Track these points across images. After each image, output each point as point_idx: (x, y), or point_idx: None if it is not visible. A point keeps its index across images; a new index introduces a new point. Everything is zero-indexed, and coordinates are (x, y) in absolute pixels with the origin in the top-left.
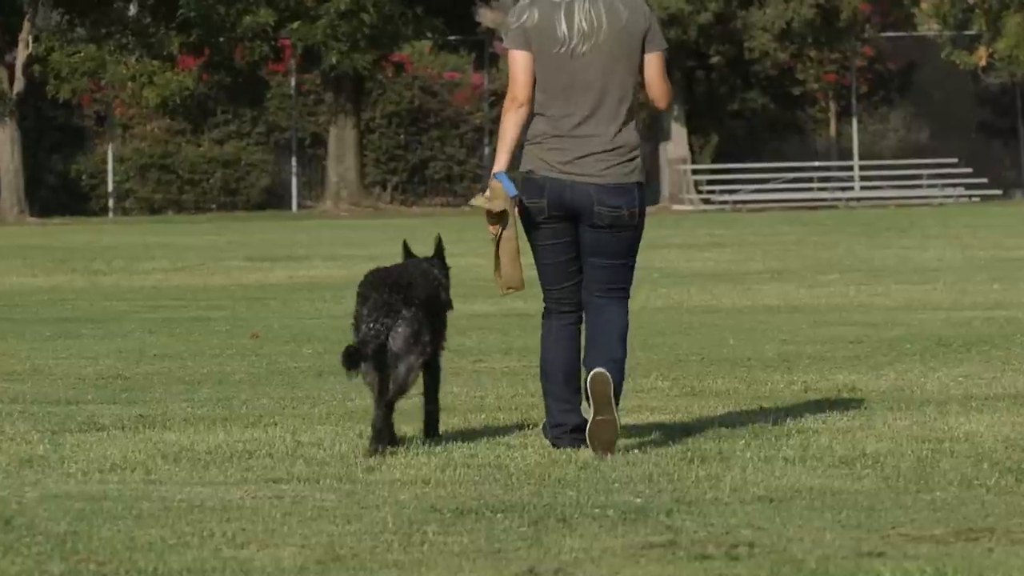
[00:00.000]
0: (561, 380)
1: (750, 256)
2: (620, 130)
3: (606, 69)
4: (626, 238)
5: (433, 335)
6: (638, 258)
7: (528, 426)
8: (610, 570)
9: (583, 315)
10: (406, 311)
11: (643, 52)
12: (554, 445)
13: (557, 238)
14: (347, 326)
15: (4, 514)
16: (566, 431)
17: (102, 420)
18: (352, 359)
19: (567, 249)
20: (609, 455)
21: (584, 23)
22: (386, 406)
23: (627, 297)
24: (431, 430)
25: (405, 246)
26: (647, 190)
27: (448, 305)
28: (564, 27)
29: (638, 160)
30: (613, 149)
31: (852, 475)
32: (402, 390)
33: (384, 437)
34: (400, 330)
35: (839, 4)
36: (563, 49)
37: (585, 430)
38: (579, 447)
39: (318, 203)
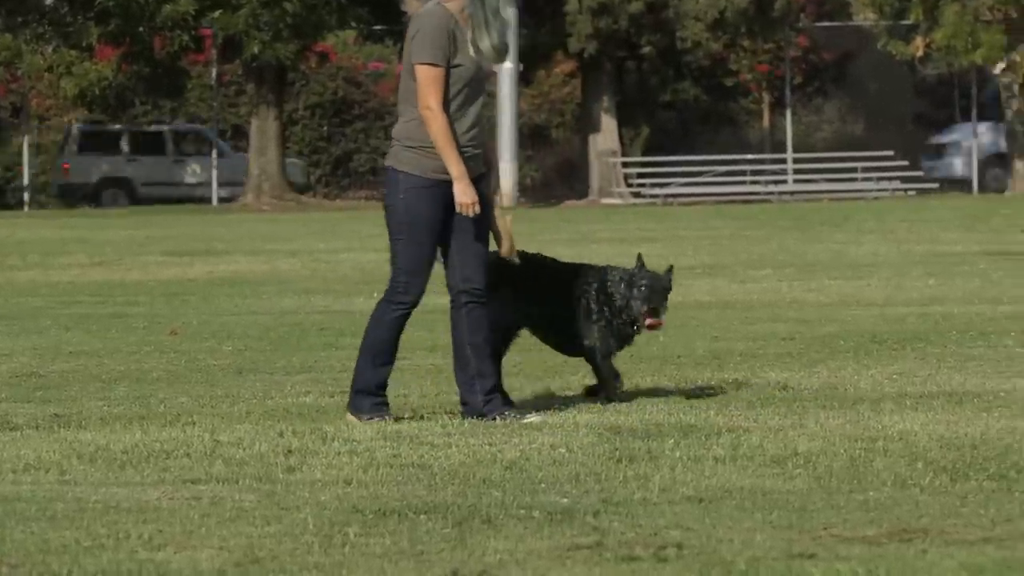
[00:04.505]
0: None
1: (681, 251)
2: (397, 123)
3: (403, 75)
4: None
5: None
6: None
7: (453, 425)
8: (535, 572)
9: (453, 305)
10: None
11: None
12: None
13: None
14: (267, 322)
15: None
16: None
17: (16, 419)
18: None
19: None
20: None
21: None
22: None
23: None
24: None
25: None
26: (575, 182)
27: None
28: None
29: (397, 147)
30: (391, 139)
31: (783, 475)
32: None
33: None
34: None
35: None
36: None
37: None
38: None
39: (239, 196)
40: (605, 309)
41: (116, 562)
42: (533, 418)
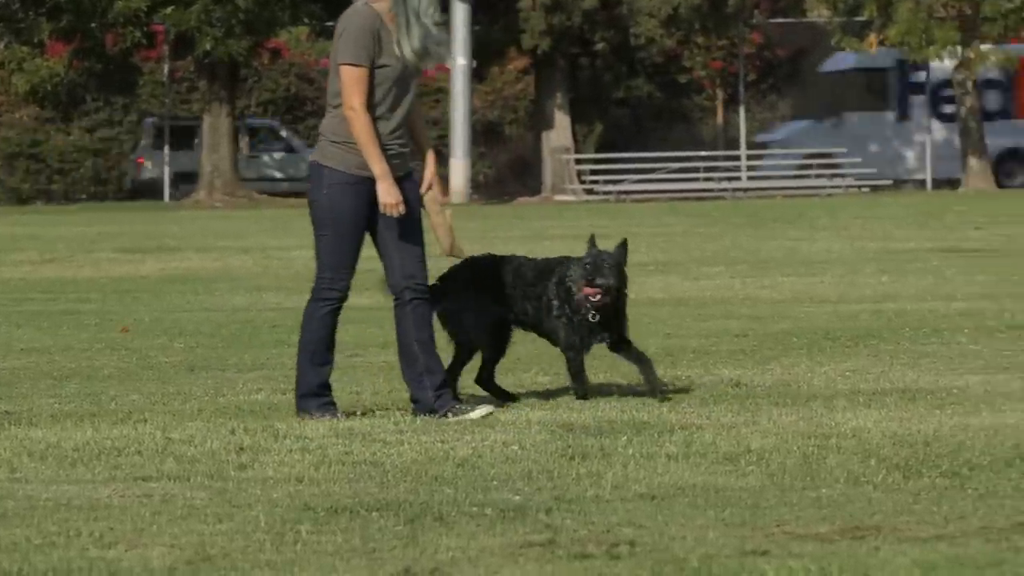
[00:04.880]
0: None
1: (634, 248)
2: (324, 119)
3: (330, 73)
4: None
5: None
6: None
7: (405, 422)
8: (488, 570)
9: (397, 303)
10: None
11: None
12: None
13: None
14: (219, 319)
15: None
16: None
17: None
18: None
19: None
20: None
21: None
22: None
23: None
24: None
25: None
26: (528, 179)
27: None
28: None
29: (323, 142)
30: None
31: (736, 472)
32: None
33: None
34: None
35: None
36: None
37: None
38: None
39: (191, 193)
40: (565, 304)
41: (67, 560)
42: (484, 410)
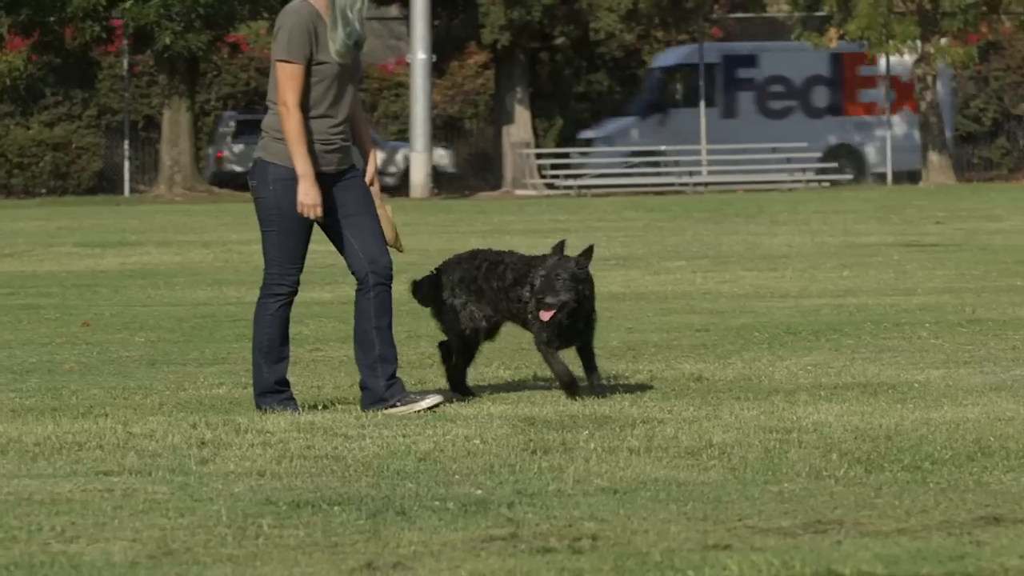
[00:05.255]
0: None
1: (595, 242)
2: (267, 115)
3: (271, 69)
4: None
5: None
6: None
7: (367, 416)
8: (450, 564)
9: (360, 290)
10: None
11: None
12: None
13: None
14: (180, 314)
15: None
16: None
17: None
18: None
19: None
20: None
21: None
22: None
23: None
24: None
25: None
26: (488, 173)
27: None
28: None
29: (266, 138)
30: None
31: (698, 466)
32: None
33: None
34: None
35: None
36: None
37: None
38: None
39: (151, 187)
40: (531, 301)
41: (28, 554)
42: (433, 399)
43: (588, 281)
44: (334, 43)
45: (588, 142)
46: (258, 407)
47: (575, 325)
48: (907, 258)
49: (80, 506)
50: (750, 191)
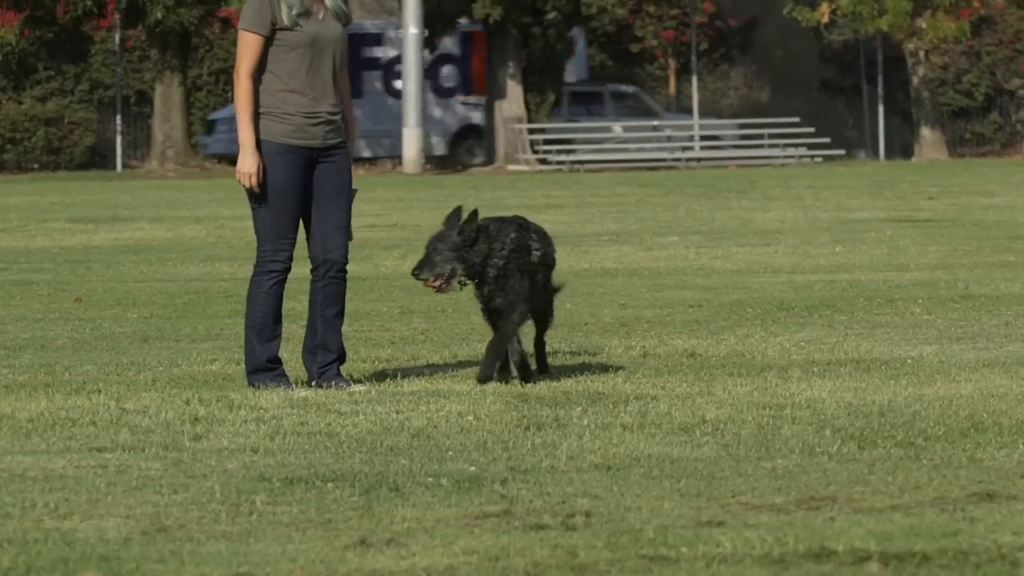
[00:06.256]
0: None
1: (588, 218)
2: None
3: None
4: None
5: None
6: None
7: (360, 393)
8: (444, 540)
9: (313, 276)
10: None
11: None
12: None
13: None
14: (173, 289)
15: None
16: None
17: None
18: None
19: None
20: None
21: None
22: None
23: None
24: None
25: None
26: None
27: None
28: None
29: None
30: None
31: (691, 442)
32: None
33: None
34: None
35: None
36: None
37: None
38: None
39: (143, 163)
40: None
41: (22, 531)
42: (359, 387)
43: (475, 245)
44: (285, 6)
45: (213, 123)
46: (250, 384)
47: (490, 291)
48: (900, 234)
49: (74, 482)
50: (742, 167)
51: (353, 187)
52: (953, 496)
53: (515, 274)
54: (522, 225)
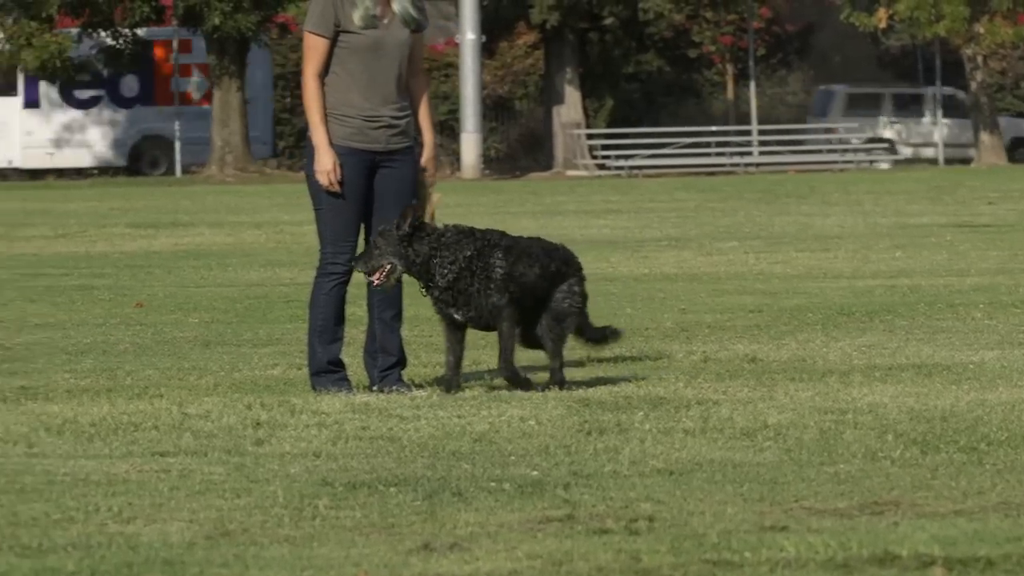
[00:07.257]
0: None
1: (647, 223)
2: None
3: None
4: None
5: None
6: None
7: (421, 397)
8: (507, 545)
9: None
10: None
11: None
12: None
13: None
14: (233, 294)
15: None
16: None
17: None
18: None
19: None
20: None
21: None
22: None
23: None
24: None
25: None
26: (539, 154)
27: None
28: None
29: None
30: None
31: (754, 447)
32: None
33: None
34: None
35: None
36: None
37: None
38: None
39: (202, 168)
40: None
41: (86, 535)
42: (420, 392)
43: (412, 244)
44: (356, 10)
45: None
46: (313, 388)
47: (454, 297)
48: (960, 239)
49: (136, 487)
50: (801, 172)
51: (436, 193)
52: (1017, 501)
53: (484, 293)
54: (490, 243)
